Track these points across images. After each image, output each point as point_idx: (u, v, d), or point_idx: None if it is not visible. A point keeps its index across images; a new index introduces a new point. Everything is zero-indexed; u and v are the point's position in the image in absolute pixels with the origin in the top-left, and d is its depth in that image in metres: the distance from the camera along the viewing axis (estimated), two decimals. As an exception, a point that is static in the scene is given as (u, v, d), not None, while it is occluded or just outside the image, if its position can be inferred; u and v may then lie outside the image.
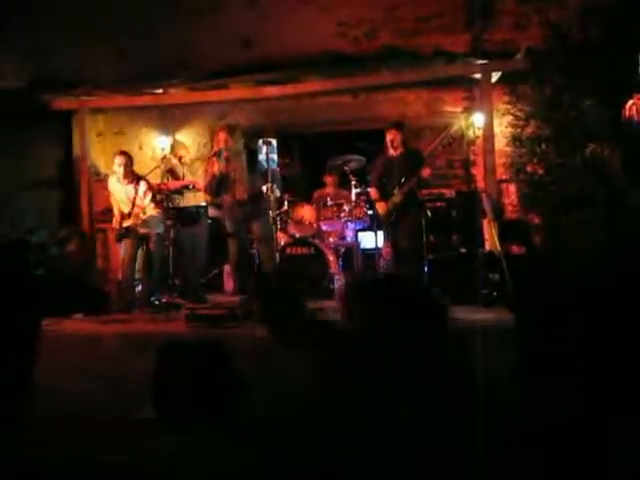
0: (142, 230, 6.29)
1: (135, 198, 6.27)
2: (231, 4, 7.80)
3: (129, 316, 5.82)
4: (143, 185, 6.35)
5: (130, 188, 6.35)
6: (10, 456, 2.48)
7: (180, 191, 6.78)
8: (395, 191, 6.30)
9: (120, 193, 6.42)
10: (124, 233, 6.26)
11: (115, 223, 6.38)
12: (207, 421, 2.83)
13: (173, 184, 6.78)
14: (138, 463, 2.39)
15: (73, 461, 2.50)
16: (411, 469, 1.60)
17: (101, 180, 7.78)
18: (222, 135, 5.86)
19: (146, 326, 5.31)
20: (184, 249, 6.71)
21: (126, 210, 6.32)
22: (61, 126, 8.17)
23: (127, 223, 6.26)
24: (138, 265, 6.70)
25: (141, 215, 6.20)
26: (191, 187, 6.75)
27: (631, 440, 1.52)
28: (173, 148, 7.26)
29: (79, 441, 2.81)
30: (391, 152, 6.42)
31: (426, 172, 6.27)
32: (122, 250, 6.40)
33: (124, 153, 6.50)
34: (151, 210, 6.25)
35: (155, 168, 6.90)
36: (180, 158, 6.92)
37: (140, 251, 6.48)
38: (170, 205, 6.61)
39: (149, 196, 6.26)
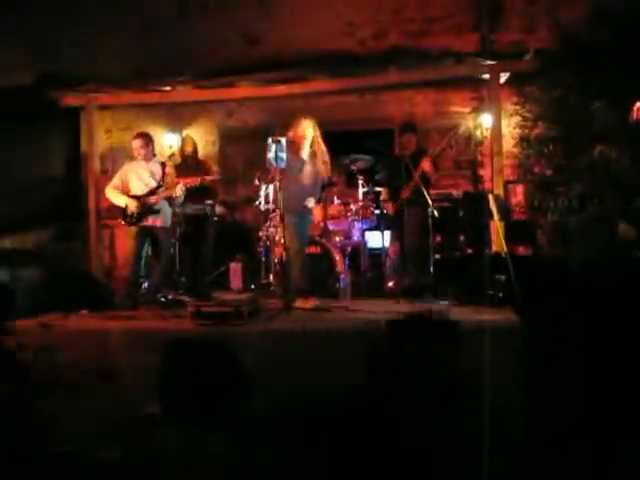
0: (154, 221, 6.16)
1: (164, 174, 6.15)
2: (238, 2, 7.81)
3: (135, 313, 5.82)
4: (169, 166, 6.29)
5: (157, 166, 6.23)
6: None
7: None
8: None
9: (143, 174, 6.21)
10: (138, 219, 6.10)
11: (133, 207, 6.10)
12: (210, 419, 2.84)
13: (192, 181, 6.59)
14: (139, 459, 2.39)
15: (74, 457, 2.50)
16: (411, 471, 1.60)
17: (108, 177, 7.79)
18: (303, 128, 5.85)
19: (152, 323, 5.30)
20: (191, 246, 6.70)
21: (146, 189, 6.14)
22: (69, 122, 8.19)
23: (152, 199, 6.10)
24: (144, 262, 6.68)
25: (175, 192, 6.08)
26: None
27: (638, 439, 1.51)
28: (183, 145, 7.22)
29: (81, 436, 2.81)
30: (403, 152, 6.44)
31: (425, 165, 6.25)
32: (131, 246, 6.29)
33: (145, 133, 6.39)
34: (180, 190, 6.08)
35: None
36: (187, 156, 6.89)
37: (147, 247, 6.44)
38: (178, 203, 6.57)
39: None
